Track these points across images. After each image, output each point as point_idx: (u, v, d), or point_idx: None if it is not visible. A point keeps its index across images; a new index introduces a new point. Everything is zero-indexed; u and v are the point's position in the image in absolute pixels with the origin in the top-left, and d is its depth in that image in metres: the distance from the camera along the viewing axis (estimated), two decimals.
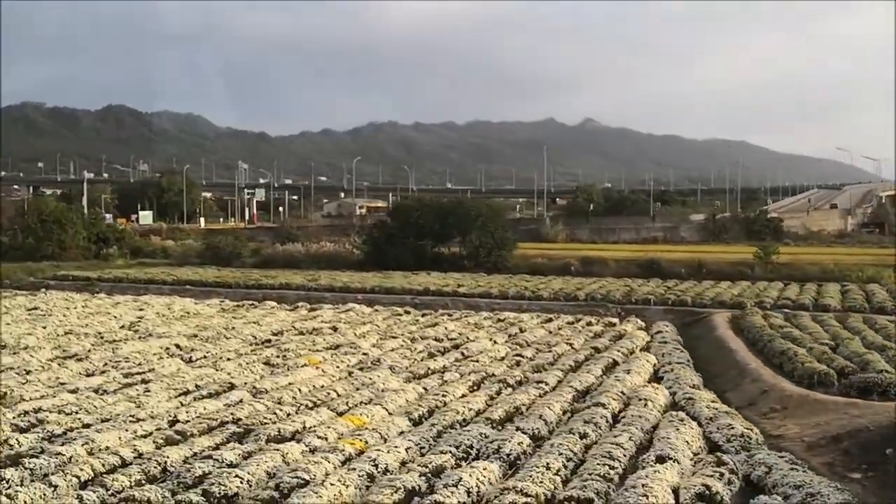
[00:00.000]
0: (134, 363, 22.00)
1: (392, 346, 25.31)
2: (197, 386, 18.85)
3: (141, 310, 34.72)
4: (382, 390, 18.60)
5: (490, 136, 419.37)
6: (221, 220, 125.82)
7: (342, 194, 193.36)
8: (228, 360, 22.69)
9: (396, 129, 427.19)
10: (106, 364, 21.78)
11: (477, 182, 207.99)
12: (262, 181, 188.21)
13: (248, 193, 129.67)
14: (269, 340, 26.80)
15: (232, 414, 16.11)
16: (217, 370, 21.00)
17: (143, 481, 11.96)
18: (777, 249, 49.30)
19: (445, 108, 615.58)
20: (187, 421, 15.71)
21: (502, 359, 23.02)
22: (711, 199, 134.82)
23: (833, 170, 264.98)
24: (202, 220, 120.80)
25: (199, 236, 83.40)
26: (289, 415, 16.28)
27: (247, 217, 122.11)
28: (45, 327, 28.37)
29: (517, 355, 23.42)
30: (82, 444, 13.55)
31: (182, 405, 16.98)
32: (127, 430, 14.69)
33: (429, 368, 21.46)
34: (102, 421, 15.62)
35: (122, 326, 29.46)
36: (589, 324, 30.34)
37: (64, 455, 12.98)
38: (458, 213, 52.79)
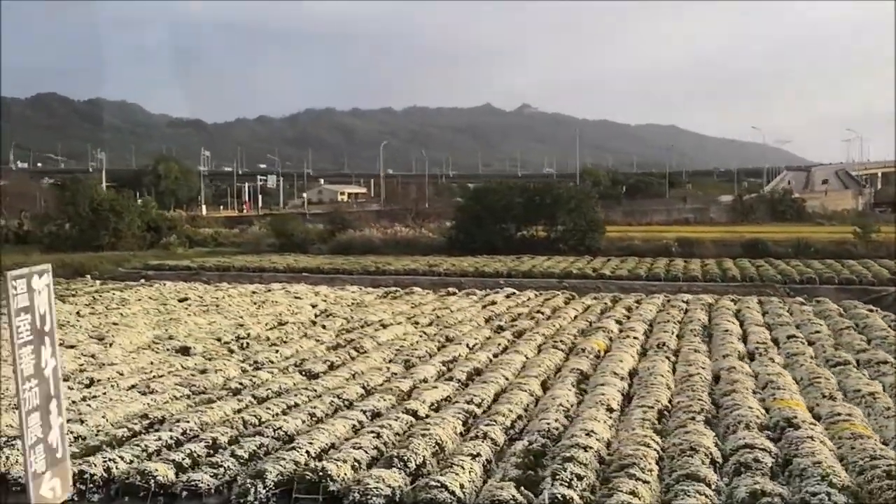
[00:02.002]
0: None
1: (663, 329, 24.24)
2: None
3: (298, 298, 33.17)
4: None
5: (428, 121, 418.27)
6: (222, 207, 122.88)
7: (321, 181, 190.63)
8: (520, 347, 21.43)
9: (334, 116, 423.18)
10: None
11: (414, 168, 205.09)
12: (226, 169, 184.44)
13: (262, 180, 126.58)
14: (503, 327, 25.59)
15: None
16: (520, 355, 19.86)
17: None
18: (879, 227, 48.95)
19: (383, 95, 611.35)
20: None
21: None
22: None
23: (758, 152, 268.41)
24: (203, 207, 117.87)
25: (219, 224, 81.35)
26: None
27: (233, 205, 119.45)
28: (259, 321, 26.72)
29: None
30: None
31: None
32: None
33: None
34: None
35: (320, 315, 28.20)
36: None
37: None
38: (548, 195, 51.47)
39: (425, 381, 17.81)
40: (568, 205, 50.49)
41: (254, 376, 18.09)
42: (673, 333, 23.85)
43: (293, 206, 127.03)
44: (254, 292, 35.46)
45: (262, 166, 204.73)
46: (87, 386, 17.47)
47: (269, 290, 36.01)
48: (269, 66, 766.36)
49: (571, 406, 15.33)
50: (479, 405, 15.52)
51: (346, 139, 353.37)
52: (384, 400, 15.71)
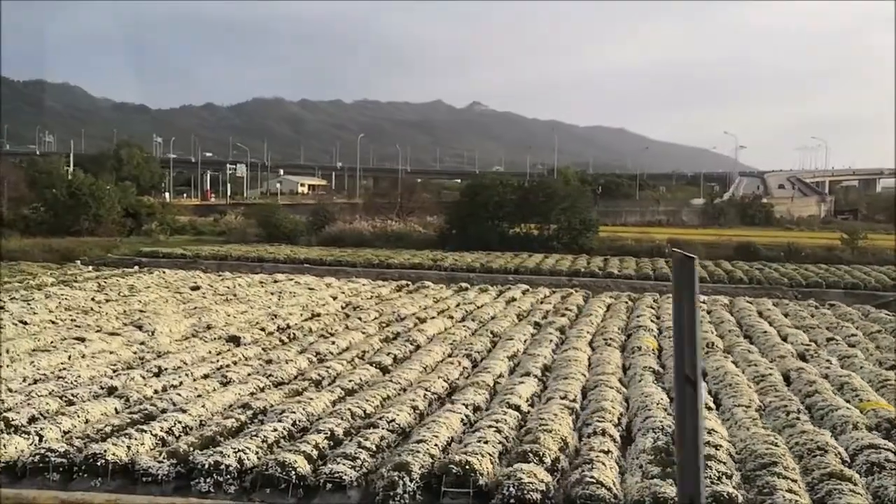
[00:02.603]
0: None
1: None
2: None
3: (312, 289, 32.77)
4: None
5: (379, 115, 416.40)
6: (185, 195, 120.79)
7: (281, 171, 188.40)
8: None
9: (283, 106, 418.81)
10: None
11: (367, 161, 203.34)
12: (173, 156, 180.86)
13: (231, 169, 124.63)
14: (539, 323, 25.49)
15: None
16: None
17: None
18: (866, 234, 49.95)
19: (333, 87, 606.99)
20: None
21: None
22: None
23: (706, 158, 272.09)
24: (167, 194, 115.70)
25: (189, 213, 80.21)
26: None
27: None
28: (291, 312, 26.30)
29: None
30: None
31: None
32: None
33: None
34: None
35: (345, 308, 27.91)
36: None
37: None
38: (542, 193, 51.56)
39: (502, 375, 17.61)
40: (562, 203, 50.57)
41: (327, 367, 17.72)
42: (713, 332, 23.98)
43: (253, 196, 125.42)
44: (261, 282, 34.93)
45: (209, 154, 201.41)
46: (157, 374, 16.97)
47: (277, 281, 35.48)
48: (216, 53, 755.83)
49: (669, 403, 15.26)
50: (573, 400, 15.39)
51: (294, 130, 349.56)
52: (478, 394, 15.49)
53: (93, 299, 28.11)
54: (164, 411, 13.97)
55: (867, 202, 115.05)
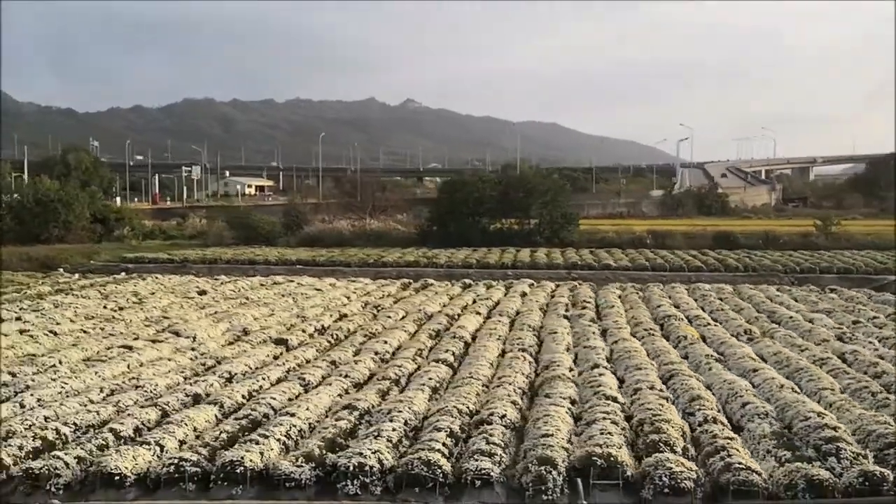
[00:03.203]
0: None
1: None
2: None
3: (319, 290, 32.61)
4: None
5: (311, 114, 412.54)
6: (136, 199, 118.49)
7: (227, 173, 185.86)
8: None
9: (213, 107, 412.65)
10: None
11: (304, 161, 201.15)
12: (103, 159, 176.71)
13: (186, 171, 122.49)
14: (569, 316, 25.66)
15: None
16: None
17: None
18: (839, 221, 51.24)
19: (264, 86, 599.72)
20: None
21: None
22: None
23: (635, 151, 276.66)
24: (118, 199, 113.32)
25: (147, 216, 79.09)
26: None
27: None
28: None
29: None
30: None
31: None
32: None
33: None
34: None
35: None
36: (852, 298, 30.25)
37: None
38: (522, 188, 51.84)
39: (571, 368, 17.68)
40: (543, 198, 50.88)
41: (398, 366, 17.60)
42: (744, 320, 24.40)
43: (201, 198, 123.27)
44: (262, 285, 34.59)
45: (140, 157, 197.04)
46: (229, 380, 16.69)
47: (277, 283, 35.15)
48: (144, 53, 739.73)
49: (777, 388, 15.44)
50: (660, 390, 15.54)
51: (226, 130, 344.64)
52: (567, 387, 15.56)
53: (105, 307, 27.47)
54: (266, 416, 13.76)
55: (812, 190, 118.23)
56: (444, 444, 12.20)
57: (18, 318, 24.51)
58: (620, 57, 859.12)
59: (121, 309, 27.16)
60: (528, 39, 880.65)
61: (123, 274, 39.62)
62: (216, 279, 36.68)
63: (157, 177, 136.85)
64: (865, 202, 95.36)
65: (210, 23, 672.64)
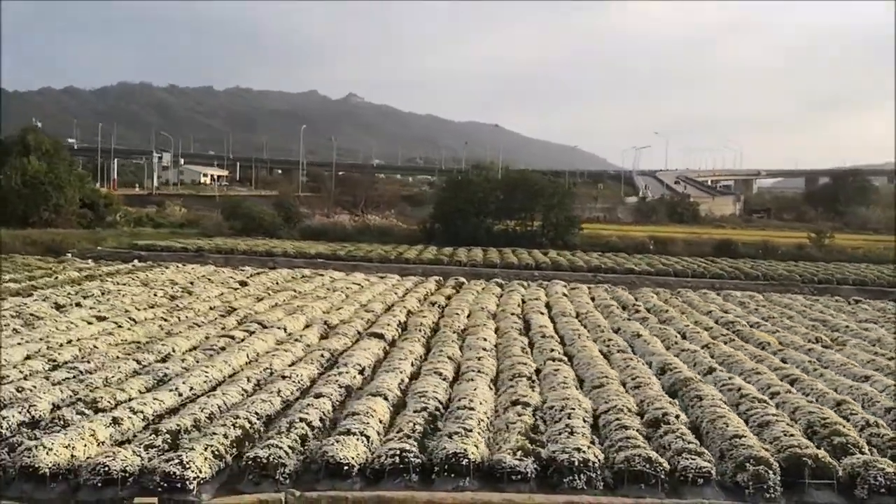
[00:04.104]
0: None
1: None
2: None
3: (358, 284, 32.66)
4: None
5: (252, 104, 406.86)
6: (98, 184, 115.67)
7: (182, 160, 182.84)
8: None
9: (149, 92, 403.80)
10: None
11: (243, 151, 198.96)
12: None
13: (157, 157, 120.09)
14: (627, 318, 26.03)
15: None
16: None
17: None
18: (832, 234, 52.64)
19: (203, 73, 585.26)
20: None
21: None
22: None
23: (577, 155, 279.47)
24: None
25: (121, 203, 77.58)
26: None
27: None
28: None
29: None
30: None
31: None
32: None
33: None
34: None
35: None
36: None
37: None
38: (529, 190, 52.25)
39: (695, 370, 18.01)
40: (550, 201, 51.34)
41: (523, 363, 17.74)
42: (802, 328, 25.06)
43: (155, 186, 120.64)
44: (294, 278, 34.54)
45: (71, 140, 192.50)
46: (361, 372, 16.69)
47: (305, 276, 35.13)
48: (77, 33, 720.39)
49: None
50: (798, 390, 15.97)
51: (161, 116, 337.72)
52: (712, 390, 15.89)
53: (155, 295, 27.10)
54: (439, 410, 13.82)
55: (775, 201, 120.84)
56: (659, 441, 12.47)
57: (79, 305, 24.06)
58: (561, 61, 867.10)
59: (173, 298, 26.84)
60: (470, 40, 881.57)
61: (136, 261, 39.00)
62: (242, 270, 36.37)
63: (115, 162, 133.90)
64: (827, 216, 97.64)
65: (148, 6, 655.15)
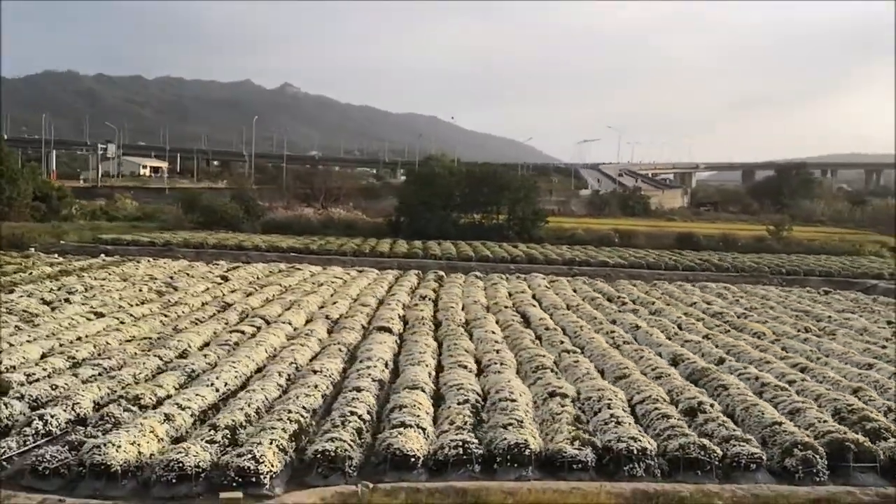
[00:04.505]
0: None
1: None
2: None
3: (341, 278, 32.51)
4: None
5: (184, 93, 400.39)
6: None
7: (121, 151, 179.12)
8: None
9: (77, 80, 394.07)
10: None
11: (174, 141, 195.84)
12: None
13: (102, 148, 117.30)
14: (621, 310, 26.51)
15: None
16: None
17: None
18: (790, 227, 54.00)
19: (133, 61, 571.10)
20: None
21: None
22: None
23: (514, 148, 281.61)
24: None
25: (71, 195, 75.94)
26: None
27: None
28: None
29: None
30: None
31: None
32: None
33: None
34: None
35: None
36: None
37: None
38: (495, 184, 52.57)
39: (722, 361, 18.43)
40: (516, 194, 51.73)
41: (542, 356, 17.97)
42: (780, 318, 25.81)
43: (89, 177, 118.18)
44: (271, 272, 34.30)
45: None
46: (386, 365, 16.78)
47: (283, 271, 34.97)
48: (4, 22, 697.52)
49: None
50: (812, 378, 16.50)
51: (90, 105, 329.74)
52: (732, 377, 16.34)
53: (140, 290, 26.75)
54: (478, 402, 14.00)
55: (719, 195, 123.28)
56: (697, 429, 12.81)
57: (68, 301, 23.67)
58: (502, 56, 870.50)
59: (160, 293, 26.54)
60: (408, 32, 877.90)
61: (103, 256, 38.31)
62: (216, 264, 36.07)
63: (53, 153, 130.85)
64: (772, 209, 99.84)
65: None
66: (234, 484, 10.46)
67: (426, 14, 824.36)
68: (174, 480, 10.43)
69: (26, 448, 11.33)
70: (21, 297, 23.79)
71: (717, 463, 11.73)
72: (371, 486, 10.74)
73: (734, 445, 12.06)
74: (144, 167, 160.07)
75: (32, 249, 39.48)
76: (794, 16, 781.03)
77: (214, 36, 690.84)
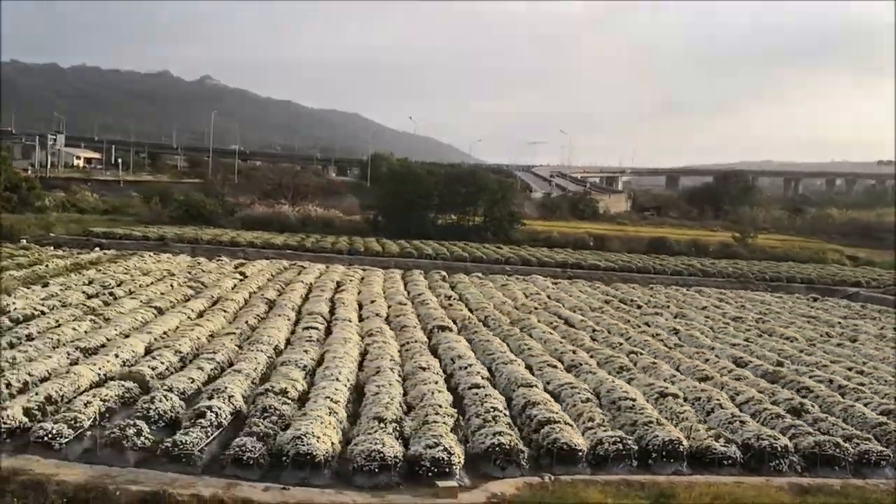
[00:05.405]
0: None
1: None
2: None
3: (349, 276, 32.90)
4: None
5: (101, 83, 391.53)
6: None
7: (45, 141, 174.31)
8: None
9: None
10: None
11: (90, 132, 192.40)
12: None
13: (52, 138, 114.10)
14: (637, 315, 27.54)
15: None
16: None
17: None
18: (755, 235, 56.04)
19: (47, 49, 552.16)
20: None
21: None
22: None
23: (434, 147, 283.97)
24: None
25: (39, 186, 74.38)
26: None
27: None
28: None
29: None
30: None
31: None
32: None
33: None
34: None
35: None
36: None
37: None
38: (473, 184, 53.39)
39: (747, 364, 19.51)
40: (494, 196, 52.61)
41: (611, 354, 18.82)
42: (795, 322, 27.21)
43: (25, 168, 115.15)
44: (282, 269, 34.47)
45: None
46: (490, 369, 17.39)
47: (288, 268, 35.11)
48: None
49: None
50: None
51: (6, 94, 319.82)
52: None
53: (171, 286, 26.79)
54: (592, 398, 14.76)
55: (656, 200, 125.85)
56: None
57: (112, 295, 23.79)
58: (424, 54, 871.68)
59: (193, 288, 26.56)
60: (327, 27, 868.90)
61: (98, 249, 37.98)
62: (219, 259, 36.07)
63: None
64: (713, 215, 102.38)
65: None
66: (429, 474, 11.01)
67: (352, 7, 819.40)
68: (376, 470, 10.91)
69: (210, 439, 11.64)
70: (61, 290, 23.69)
71: (850, 460, 12.66)
72: (553, 477, 11.38)
73: (858, 444, 13.02)
74: (78, 158, 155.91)
75: (24, 241, 38.80)
76: (717, 23, 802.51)
77: (130, 25, 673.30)
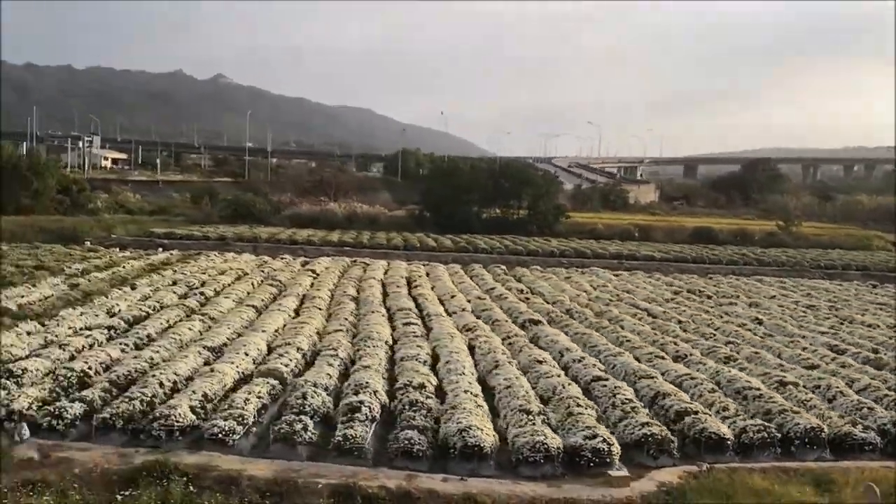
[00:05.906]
0: None
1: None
2: None
3: (415, 270, 33.35)
4: None
5: (115, 83, 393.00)
6: None
7: (80, 143, 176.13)
8: None
9: (4, 70, 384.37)
10: None
11: (108, 132, 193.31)
12: None
13: (88, 140, 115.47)
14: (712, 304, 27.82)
15: None
16: None
17: None
18: (800, 223, 56.05)
19: (62, 51, 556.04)
20: None
21: None
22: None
23: (447, 141, 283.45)
24: None
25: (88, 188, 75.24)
26: None
27: None
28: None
29: None
30: None
31: None
32: None
33: None
34: None
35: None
36: None
37: None
38: (517, 178, 53.72)
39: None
40: (539, 189, 52.91)
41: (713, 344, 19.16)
42: (868, 310, 27.40)
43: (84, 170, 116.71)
44: (349, 265, 34.90)
45: None
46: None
47: (351, 266, 35.45)
48: None
49: None
50: None
51: (19, 96, 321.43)
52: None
53: (252, 285, 27.33)
54: (713, 387, 15.11)
55: (683, 189, 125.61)
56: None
57: (204, 295, 24.27)
58: (431, 45, 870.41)
59: (275, 287, 27.04)
60: (341, 21, 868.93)
61: (161, 249, 38.57)
62: (283, 258, 36.57)
63: (24, 145, 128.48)
64: (742, 203, 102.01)
65: None
66: (591, 465, 11.41)
67: (360, 3, 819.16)
68: (541, 460, 11.32)
69: (371, 432, 12.08)
70: (151, 291, 24.26)
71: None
72: (707, 466, 11.76)
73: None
74: (106, 159, 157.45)
75: (88, 243, 39.43)
76: (729, 12, 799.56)
77: (142, 25, 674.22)
